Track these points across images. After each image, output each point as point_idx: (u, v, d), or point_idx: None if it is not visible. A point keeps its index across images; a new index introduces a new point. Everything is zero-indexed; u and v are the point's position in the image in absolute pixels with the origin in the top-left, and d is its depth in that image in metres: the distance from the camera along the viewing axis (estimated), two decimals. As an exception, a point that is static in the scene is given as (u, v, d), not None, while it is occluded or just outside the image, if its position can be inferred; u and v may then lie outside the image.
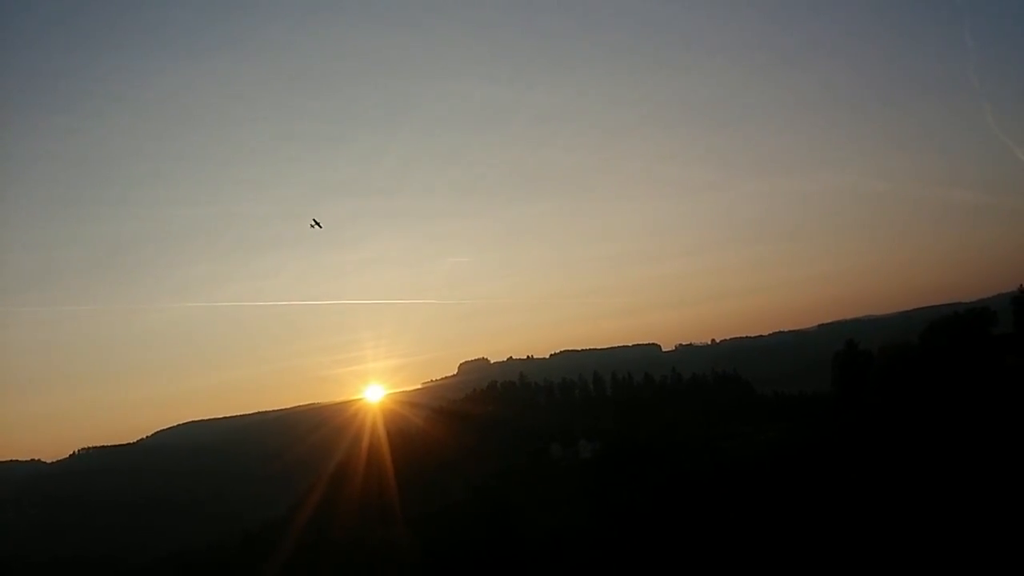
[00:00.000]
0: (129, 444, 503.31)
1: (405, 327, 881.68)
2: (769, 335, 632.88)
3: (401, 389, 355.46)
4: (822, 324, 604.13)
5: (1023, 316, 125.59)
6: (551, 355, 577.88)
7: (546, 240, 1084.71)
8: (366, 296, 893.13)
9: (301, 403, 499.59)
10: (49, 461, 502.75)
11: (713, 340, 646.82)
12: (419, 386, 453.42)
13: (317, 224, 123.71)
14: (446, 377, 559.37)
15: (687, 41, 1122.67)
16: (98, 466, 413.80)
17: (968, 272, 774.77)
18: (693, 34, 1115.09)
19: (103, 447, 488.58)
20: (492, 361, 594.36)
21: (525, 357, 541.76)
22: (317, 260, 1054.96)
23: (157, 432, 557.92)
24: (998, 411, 46.31)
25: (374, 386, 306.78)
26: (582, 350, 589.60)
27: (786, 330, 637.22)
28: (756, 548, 32.33)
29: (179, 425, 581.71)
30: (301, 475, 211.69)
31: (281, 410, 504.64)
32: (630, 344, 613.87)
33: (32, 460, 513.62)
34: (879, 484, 48.97)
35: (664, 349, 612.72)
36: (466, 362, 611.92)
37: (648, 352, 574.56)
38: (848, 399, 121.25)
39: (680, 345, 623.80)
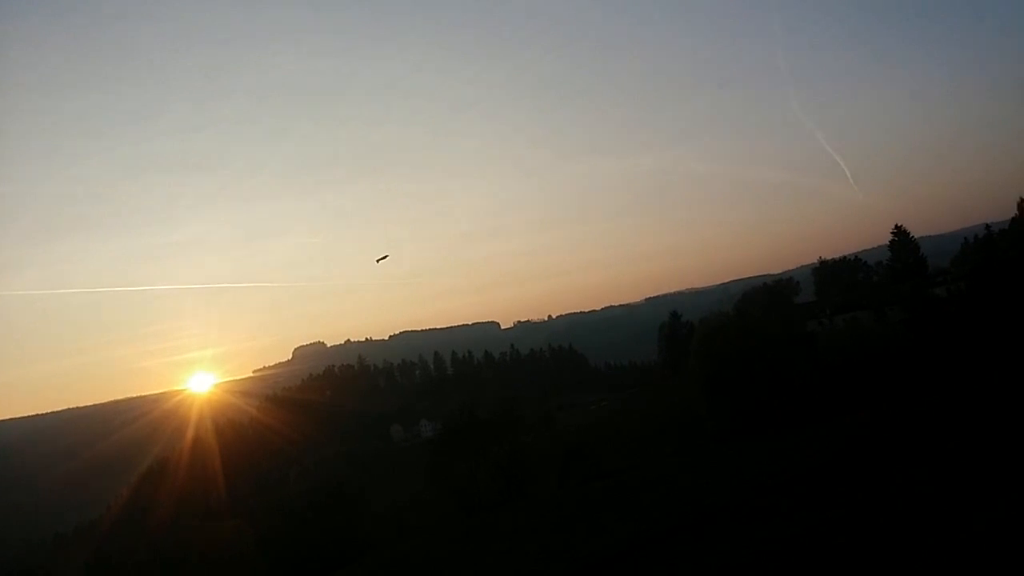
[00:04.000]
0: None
1: (233, 312, 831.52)
2: (601, 310, 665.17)
3: (232, 378, 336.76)
4: (649, 298, 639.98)
5: (822, 285, 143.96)
6: (390, 336, 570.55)
7: (382, 219, 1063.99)
8: (188, 281, 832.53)
9: (117, 397, 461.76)
10: None
11: (549, 316, 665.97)
12: (251, 374, 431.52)
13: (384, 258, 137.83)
14: (280, 364, 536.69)
15: (521, 20, 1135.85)
16: None
17: (776, 246, 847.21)
18: (526, 15, 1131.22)
19: None
20: (329, 345, 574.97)
21: (363, 339, 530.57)
22: (129, 244, 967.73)
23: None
24: (801, 371, 50.96)
25: (200, 375, 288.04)
26: (422, 330, 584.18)
27: (616, 304, 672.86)
28: (588, 509, 33.17)
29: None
30: (118, 473, 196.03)
31: (94, 405, 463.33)
32: (470, 323, 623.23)
33: None
34: (704, 444, 51.99)
35: (503, 327, 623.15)
36: (301, 347, 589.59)
37: (487, 330, 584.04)
38: (673, 366, 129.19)
39: (518, 322, 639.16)
